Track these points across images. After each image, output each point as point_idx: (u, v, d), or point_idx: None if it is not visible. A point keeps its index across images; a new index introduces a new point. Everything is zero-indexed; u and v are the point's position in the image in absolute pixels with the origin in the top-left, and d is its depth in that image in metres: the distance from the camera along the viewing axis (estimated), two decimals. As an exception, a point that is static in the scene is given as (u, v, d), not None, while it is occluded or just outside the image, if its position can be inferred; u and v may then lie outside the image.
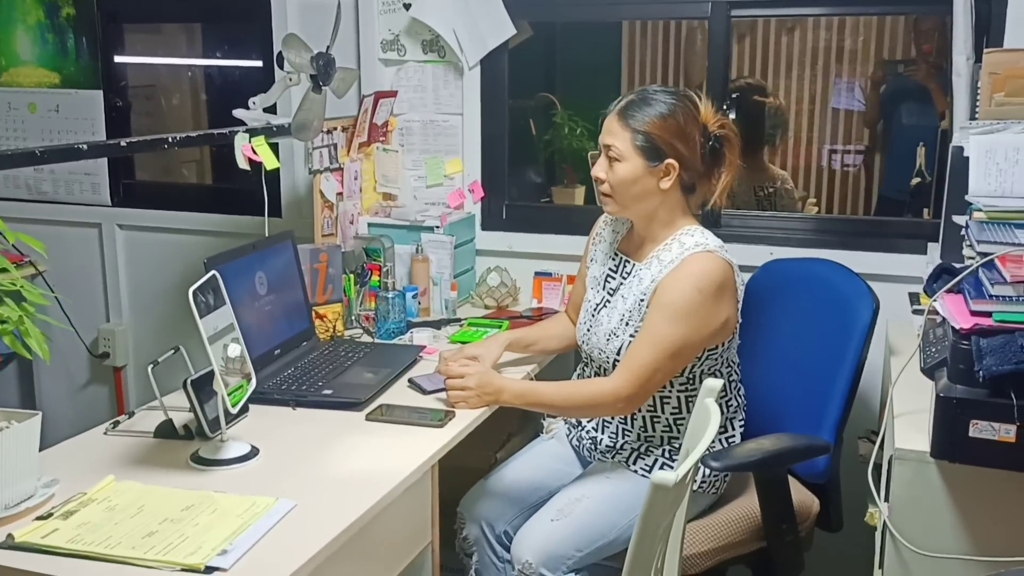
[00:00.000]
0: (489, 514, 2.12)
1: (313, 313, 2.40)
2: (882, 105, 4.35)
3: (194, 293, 1.64)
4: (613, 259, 2.13)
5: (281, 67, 2.42)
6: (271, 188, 2.47)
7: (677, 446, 2.02)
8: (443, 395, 2.05)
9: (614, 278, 2.11)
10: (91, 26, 3.24)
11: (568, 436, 2.22)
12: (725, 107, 2.56)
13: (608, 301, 2.09)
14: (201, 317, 1.65)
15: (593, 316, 2.11)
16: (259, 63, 3.17)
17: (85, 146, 1.83)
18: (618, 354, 2.00)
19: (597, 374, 2.10)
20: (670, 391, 2.01)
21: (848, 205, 4.85)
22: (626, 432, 2.05)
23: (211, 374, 1.73)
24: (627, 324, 2.00)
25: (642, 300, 1.98)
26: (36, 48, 3.31)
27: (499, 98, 2.90)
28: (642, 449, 2.04)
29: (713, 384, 1.66)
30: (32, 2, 3.26)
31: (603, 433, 2.08)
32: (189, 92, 3.85)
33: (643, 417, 2.03)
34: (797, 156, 4.85)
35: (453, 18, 2.80)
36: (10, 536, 1.42)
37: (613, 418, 2.06)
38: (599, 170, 2.01)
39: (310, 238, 2.60)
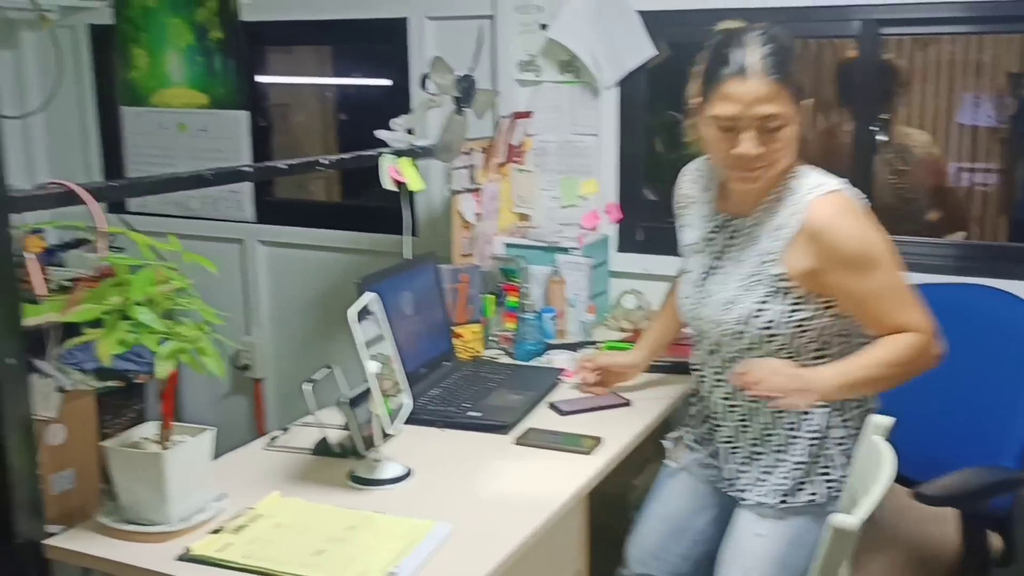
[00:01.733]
0: (657, 568, 2.02)
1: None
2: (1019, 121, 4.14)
3: (356, 315, 1.67)
4: (713, 219, 1.90)
5: (424, 88, 2.46)
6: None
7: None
8: (581, 417, 2.07)
9: (716, 240, 1.88)
10: (237, 48, 3.34)
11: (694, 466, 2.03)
12: (877, 128, 2.47)
13: (716, 267, 1.86)
14: (360, 338, 1.67)
15: (701, 286, 1.87)
16: (389, 82, 3.23)
17: (251, 168, 1.89)
18: (738, 323, 1.76)
19: (713, 350, 1.87)
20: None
21: (986, 228, 4.62)
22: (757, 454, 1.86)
23: (363, 393, 1.76)
24: (749, 290, 1.76)
25: (765, 261, 1.75)
26: (186, 70, 3.43)
27: (636, 118, 2.87)
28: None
29: (883, 422, 1.59)
30: (183, 26, 3.39)
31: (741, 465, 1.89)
32: (319, 112, 3.96)
33: (768, 421, 1.84)
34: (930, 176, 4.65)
35: (591, 39, 2.78)
36: (187, 549, 1.47)
37: (742, 441, 1.88)
38: (750, 146, 1.68)
39: (446, 257, 2.63)
